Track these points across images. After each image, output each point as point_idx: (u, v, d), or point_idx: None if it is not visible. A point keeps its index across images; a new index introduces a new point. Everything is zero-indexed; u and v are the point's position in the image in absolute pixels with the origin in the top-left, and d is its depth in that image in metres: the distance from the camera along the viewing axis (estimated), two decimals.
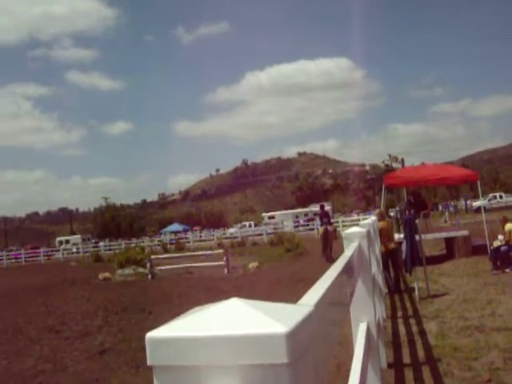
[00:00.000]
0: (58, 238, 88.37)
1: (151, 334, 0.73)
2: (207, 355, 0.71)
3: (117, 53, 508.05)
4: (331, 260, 19.72)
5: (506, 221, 14.40)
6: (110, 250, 49.68)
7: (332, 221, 29.31)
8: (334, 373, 6.23)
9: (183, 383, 0.72)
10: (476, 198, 53.15)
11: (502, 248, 13.95)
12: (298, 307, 0.86)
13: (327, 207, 36.90)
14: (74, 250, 61.73)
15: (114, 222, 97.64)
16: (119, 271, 23.10)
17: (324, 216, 24.15)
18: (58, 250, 60.37)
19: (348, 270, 2.59)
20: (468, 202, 67.61)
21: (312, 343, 0.86)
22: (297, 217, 77.37)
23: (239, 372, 0.70)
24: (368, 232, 4.81)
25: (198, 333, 0.71)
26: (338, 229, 34.19)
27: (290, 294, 12.54)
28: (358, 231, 4.21)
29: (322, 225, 24.00)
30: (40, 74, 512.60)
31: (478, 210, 44.21)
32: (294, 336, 0.70)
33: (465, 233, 18.21)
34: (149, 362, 0.73)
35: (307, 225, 57.68)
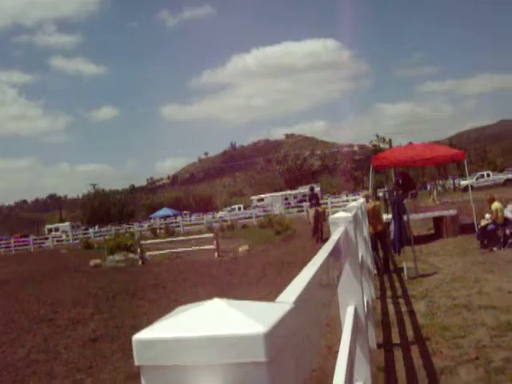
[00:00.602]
0: (48, 226, 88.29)
1: (138, 336, 0.77)
2: (190, 355, 0.74)
3: (101, 38, 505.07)
4: (322, 241, 19.88)
5: (492, 200, 14.51)
6: (100, 236, 49.69)
7: (321, 202, 29.41)
8: (325, 354, 6.31)
9: (168, 382, 0.77)
10: (463, 176, 53.48)
11: (489, 227, 14.09)
12: (278, 305, 0.89)
13: (316, 189, 37.03)
14: (64, 237, 61.66)
15: (103, 208, 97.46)
16: (109, 257, 23.13)
17: (313, 197, 24.30)
18: (48, 238, 60.24)
19: (334, 255, 2.63)
20: (456, 181, 67.99)
21: (291, 340, 0.90)
22: (286, 199, 77.47)
23: (222, 371, 0.74)
24: (354, 216, 4.85)
25: (182, 334, 0.75)
26: (327, 210, 34.34)
27: (280, 277, 12.64)
28: (343, 216, 4.25)
29: (311, 206, 24.12)
30: (24, 61, 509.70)
31: (465, 188, 44.50)
32: (271, 335, 0.74)
33: (452, 212, 18.36)
34: (136, 363, 0.78)
35: (297, 207, 57.80)
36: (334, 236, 3.37)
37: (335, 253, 2.71)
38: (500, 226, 14.01)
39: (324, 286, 2.03)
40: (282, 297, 1.23)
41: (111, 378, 6.92)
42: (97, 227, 73.46)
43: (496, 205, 14.23)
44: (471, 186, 22.95)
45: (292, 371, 0.92)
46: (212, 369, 0.74)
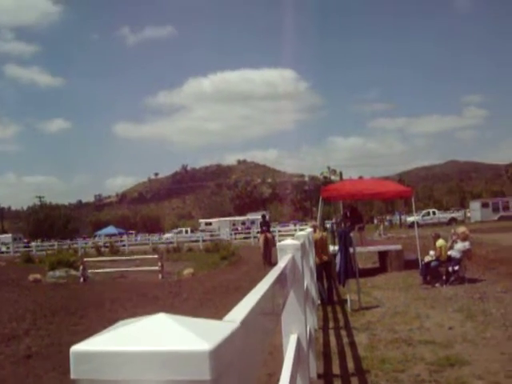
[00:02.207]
0: None
1: (75, 348, 0.73)
2: (131, 370, 0.71)
3: (59, 49, 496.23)
4: (271, 265, 19.99)
5: (437, 237, 14.80)
6: (42, 250, 48.52)
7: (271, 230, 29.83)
8: (266, 382, 6.26)
9: None
10: (410, 213, 54.48)
11: (433, 263, 14.33)
12: (223, 324, 0.87)
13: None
14: (4, 249, 60.09)
15: (47, 222, 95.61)
16: (50, 273, 22.63)
17: (265, 225, 24.74)
18: None
19: (280, 281, 2.62)
20: (403, 217, 69.22)
21: (236, 359, 0.88)
22: (234, 224, 77.63)
23: None
24: (302, 244, 4.86)
25: (123, 348, 0.71)
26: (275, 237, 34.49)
27: (224, 302, 12.55)
28: (292, 243, 4.26)
29: (261, 232, 24.59)
30: None
31: (411, 225, 45.32)
32: (216, 353, 0.71)
33: (398, 247, 18.63)
34: (72, 376, 0.73)
35: (245, 233, 57.93)
36: (281, 263, 3.36)
37: (281, 280, 2.70)
38: (443, 263, 14.27)
39: (269, 313, 2.01)
40: (228, 317, 1.20)
41: None
42: (39, 241, 71.83)
43: (441, 242, 14.51)
44: (417, 223, 23.37)
45: None
46: None
